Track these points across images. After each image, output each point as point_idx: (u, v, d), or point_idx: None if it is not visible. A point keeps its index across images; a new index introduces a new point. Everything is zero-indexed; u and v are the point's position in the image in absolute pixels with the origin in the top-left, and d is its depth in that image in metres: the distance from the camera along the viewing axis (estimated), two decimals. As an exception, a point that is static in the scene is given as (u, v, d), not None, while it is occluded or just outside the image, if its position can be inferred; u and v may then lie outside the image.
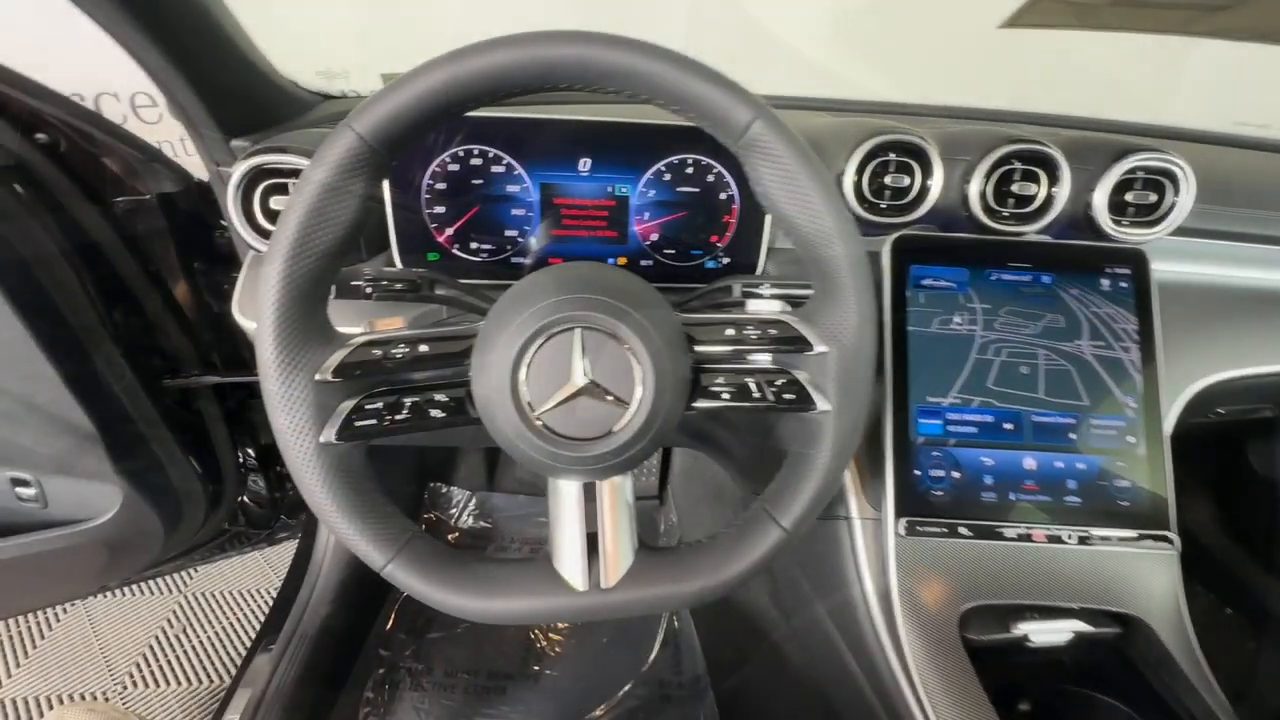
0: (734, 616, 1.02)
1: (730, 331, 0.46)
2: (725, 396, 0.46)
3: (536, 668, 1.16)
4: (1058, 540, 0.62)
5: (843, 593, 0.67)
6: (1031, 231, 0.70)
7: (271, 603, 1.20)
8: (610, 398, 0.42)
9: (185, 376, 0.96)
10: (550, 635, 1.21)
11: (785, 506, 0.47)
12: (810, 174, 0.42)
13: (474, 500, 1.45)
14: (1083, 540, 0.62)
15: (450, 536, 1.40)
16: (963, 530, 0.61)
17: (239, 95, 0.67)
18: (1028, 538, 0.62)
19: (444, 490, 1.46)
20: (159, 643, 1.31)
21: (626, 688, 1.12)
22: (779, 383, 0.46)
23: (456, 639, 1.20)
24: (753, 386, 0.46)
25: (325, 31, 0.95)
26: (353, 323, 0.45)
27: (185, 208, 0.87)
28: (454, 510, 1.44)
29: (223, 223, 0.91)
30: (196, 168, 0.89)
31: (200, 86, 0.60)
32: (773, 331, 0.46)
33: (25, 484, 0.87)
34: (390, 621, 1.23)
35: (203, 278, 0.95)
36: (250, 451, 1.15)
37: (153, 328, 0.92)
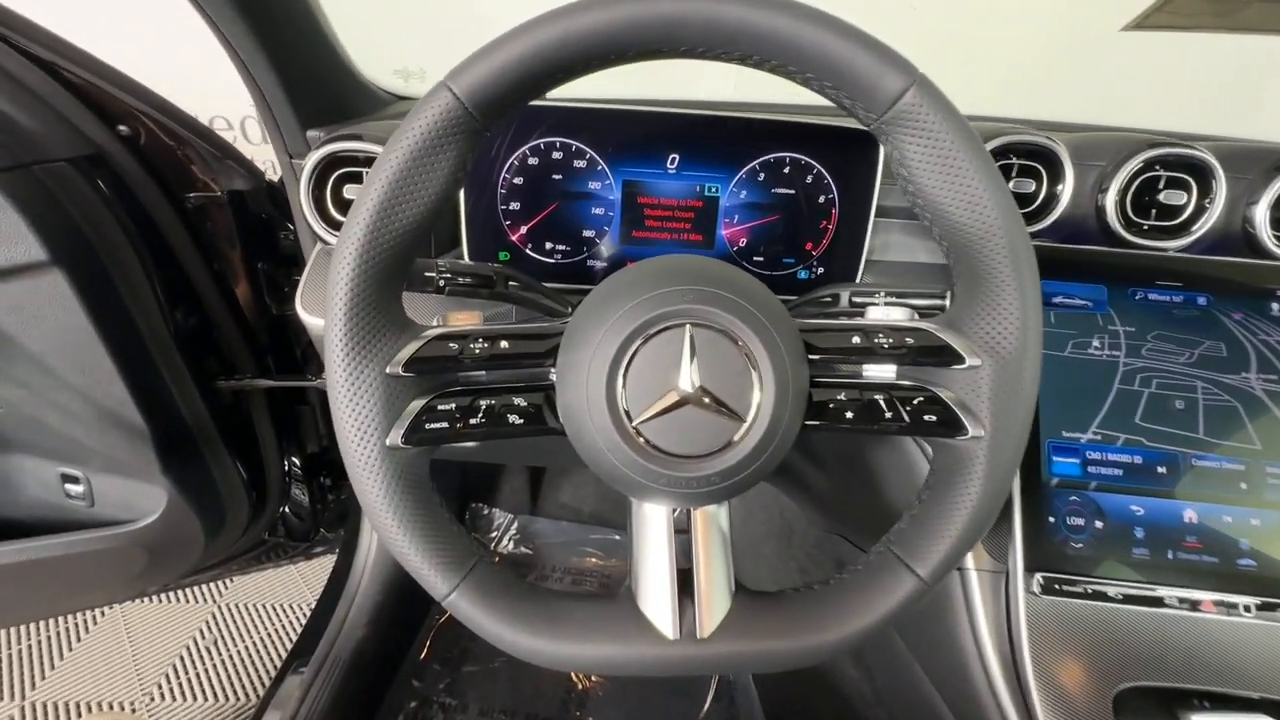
0: (801, 671, 0.91)
1: (857, 340, 0.39)
2: (849, 416, 0.39)
3: (578, 713, 1.07)
4: (1231, 610, 0.51)
5: (953, 658, 0.57)
6: (1174, 247, 0.62)
7: (304, 620, 1.16)
8: (720, 409, 0.36)
9: (239, 379, 0.94)
10: (593, 677, 1.12)
11: (921, 551, 0.39)
12: (972, 153, 0.35)
13: (515, 524, 1.39)
14: (1263, 612, 0.51)
15: (489, 561, 1.34)
16: (1112, 593, 0.51)
17: (319, 85, 0.65)
18: (1194, 606, 0.51)
19: (485, 511, 1.41)
20: (190, 654, 1.28)
21: (675, 743, 1.02)
22: (916, 401, 0.38)
23: (493, 674, 1.12)
24: (882, 405, 0.39)
25: (404, 31, 0.95)
26: (422, 319, 0.41)
27: (254, 208, 0.87)
28: (494, 533, 1.38)
29: (289, 225, 0.89)
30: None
31: (283, 72, 0.59)
32: (909, 340, 0.38)
33: (75, 480, 0.85)
34: (425, 650, 1.16)
35: (265, 279, 0.93)
36: (295, 460, 1.13)
37: (212, 327, 0.90)
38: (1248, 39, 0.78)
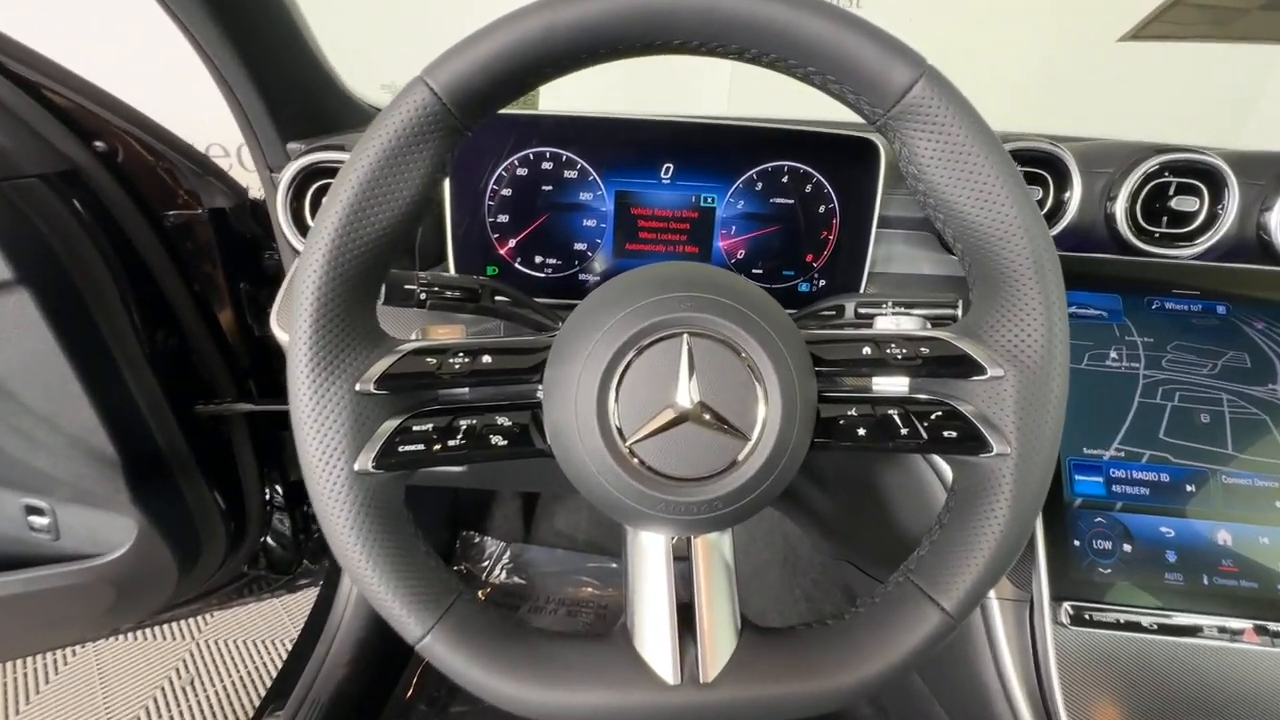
0: (810, 709, 0.86)
1: (868, 350, 0.36)
2: (861, 433, 0.36)
3: (572, 756, 1.01)
4: (1276, 640, 0.47)
5: (976, 695, 0.53)
6: (1187, 255, 0.60)
7: (284, 658, 1.10)
8: (722, 426, 0.32)
9: (218, 403, 0.90)
10: (589, 716, 1.06)
11: (944, 582, 0.35)
12: (987, 148, 0.33)
13: (508, 553, 1.34)
14: (1310, 643, 0.48)
15: (480, 592, 1.28)
16: (1145, 622, 0.48)
17: (301, 98, 0.63)
18: (1235, 635, 0.47)
19: (476, 540, 1.36)
20: (165, 695, 1.22)
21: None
22: (934, 416, 0.35)
23: (483, 715, 1.06)
24: (897, 421, 0.36)
25: (392, 44, 0.94)
26: (401, 335, 0.38)
27: (236, 226, 0.84)
28: (486, 563, 1.33)
29: (273, 244, 0.87)
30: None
31: (262, 82, 0.57)
32: (924, 350, 0.36)
33: (40, 513, 0.81)
34: (410, 689, 1.10)
35: (247, 300, 0.90)
36: (278, 488, 1.08)
37: (190, 349, 0.87)
38: (1244, 48, 0.77)
